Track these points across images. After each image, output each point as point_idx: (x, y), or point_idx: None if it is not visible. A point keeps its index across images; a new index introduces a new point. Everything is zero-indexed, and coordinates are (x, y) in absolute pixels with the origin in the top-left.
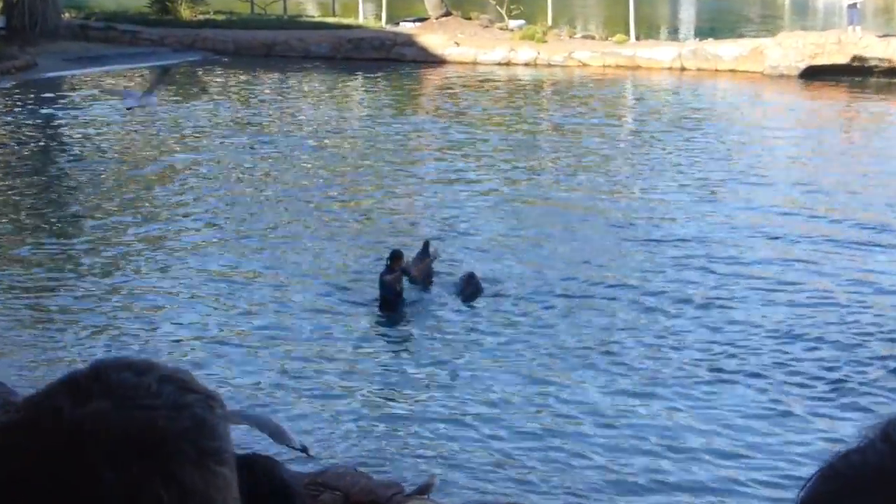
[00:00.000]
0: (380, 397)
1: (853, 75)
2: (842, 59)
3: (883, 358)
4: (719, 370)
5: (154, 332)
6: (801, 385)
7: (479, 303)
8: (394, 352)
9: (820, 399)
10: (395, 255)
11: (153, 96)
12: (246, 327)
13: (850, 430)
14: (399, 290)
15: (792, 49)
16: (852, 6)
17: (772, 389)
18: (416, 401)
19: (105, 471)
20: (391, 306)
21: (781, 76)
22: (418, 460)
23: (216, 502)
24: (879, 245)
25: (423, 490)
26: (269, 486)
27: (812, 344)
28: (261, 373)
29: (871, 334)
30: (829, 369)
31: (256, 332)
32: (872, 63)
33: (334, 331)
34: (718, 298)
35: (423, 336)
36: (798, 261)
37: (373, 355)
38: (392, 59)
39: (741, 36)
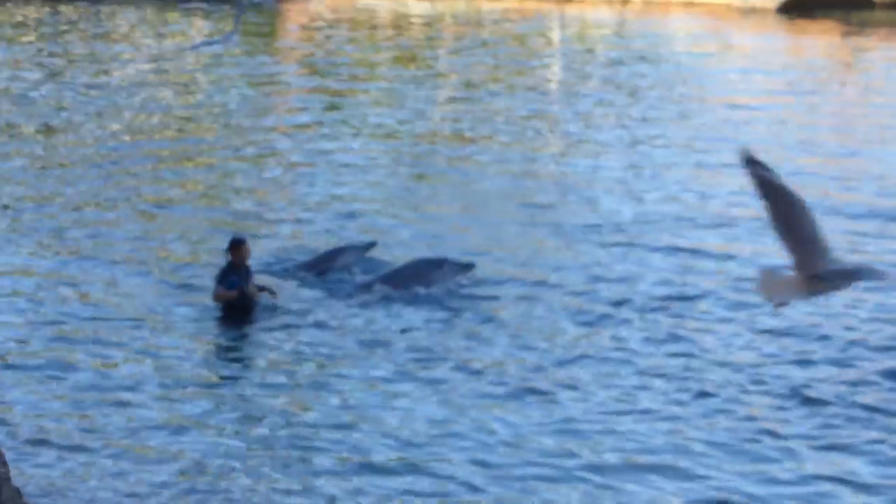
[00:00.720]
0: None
1: (849, 8)
2: None
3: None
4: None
5: None
6: (766, 399)
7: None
8: (243, 370)
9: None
10: (235, 245)
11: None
12: (38, 345)
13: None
14: (249, 290)
15: None
16: None
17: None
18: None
19: None
20: (241, 310)
21: (754, 10)
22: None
23: None
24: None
25: None
26: None
27: (793, 358)
28: (48, 403)
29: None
30: (807, 385)
31: (50, 350)
32: None
33: (162, 343)
34: (668, 298)
35: (281, 347)
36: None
37: (216, 376)
38: None
39: None
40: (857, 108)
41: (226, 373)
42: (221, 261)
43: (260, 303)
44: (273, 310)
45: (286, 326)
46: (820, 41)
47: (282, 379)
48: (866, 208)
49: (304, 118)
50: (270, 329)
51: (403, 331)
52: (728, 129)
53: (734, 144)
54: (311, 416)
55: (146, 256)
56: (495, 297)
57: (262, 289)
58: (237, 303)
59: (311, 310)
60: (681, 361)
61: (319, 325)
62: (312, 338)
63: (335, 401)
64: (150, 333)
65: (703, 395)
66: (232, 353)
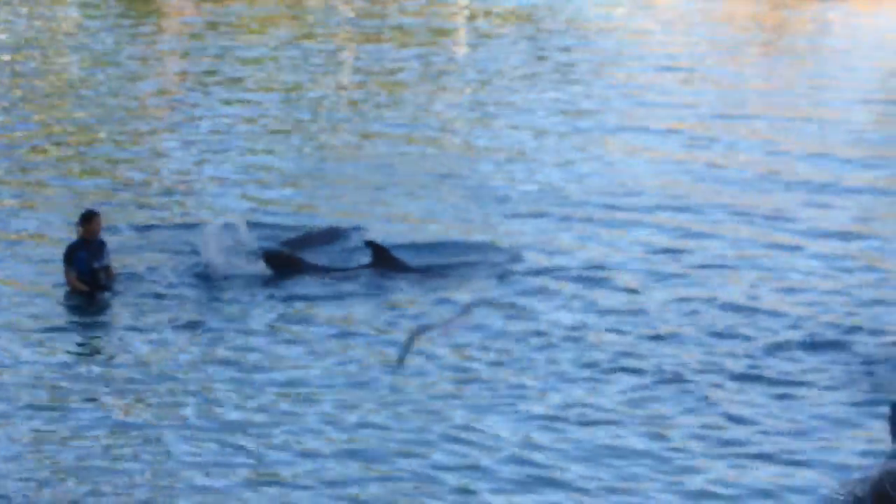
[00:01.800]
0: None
1: None
2: None
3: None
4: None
5: None
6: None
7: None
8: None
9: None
10: (86, 218)
11: None
12: None
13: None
14: (100, 268)
15: None
16: None
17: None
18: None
19: None
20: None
21: None
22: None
23: None
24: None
25: None
26: None
27: (735, 342)
28: None
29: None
30: (756, 376)
31: None
32: None
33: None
34: (591, 268)
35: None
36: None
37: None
38: None
39: None
40: (784, 75)
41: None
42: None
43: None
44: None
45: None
46: (749, 5)
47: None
48: (793, 176)
49: (199, 97)
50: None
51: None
52: (648, 94)
53: (653, 108)
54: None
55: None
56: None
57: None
58: (89, 283)
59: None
60: (617, 336)
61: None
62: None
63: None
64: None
65: (636, 373)
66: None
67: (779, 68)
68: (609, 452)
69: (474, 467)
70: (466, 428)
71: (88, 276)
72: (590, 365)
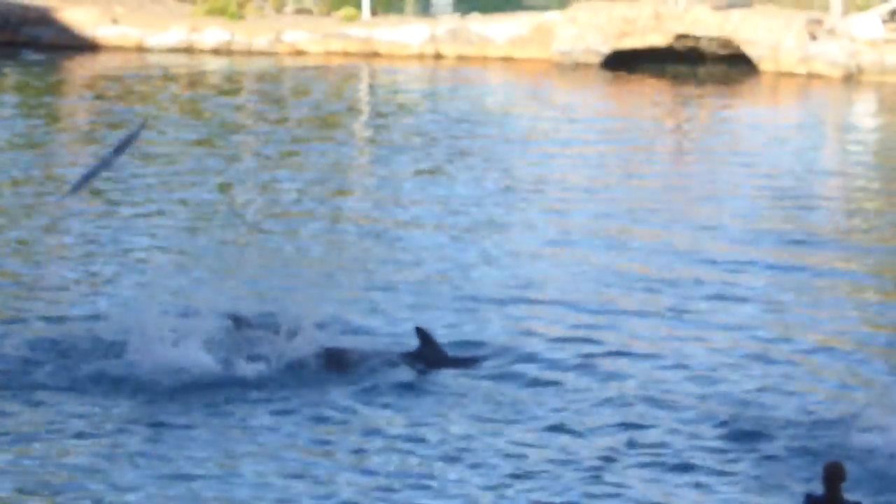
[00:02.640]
0: None
1: (677, 62)
2: (661, 39)
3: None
4: None
5: None
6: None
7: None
8: None
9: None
10: None
11: None
12: None
13: None
14: None
15: (590, 27)
16: None
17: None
18: None
19: None
20: None
21: (576, 65)
22: None
23: None
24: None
25: None
26: None
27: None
28: None
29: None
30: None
31: None
32: (704, 45)
33: None
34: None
35: None
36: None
37: None
38: (21, 42)
39: (520, 9)
40: (673, 165)
41: None
42: None
43: None
44: None
45: None
46: (642, 100)
47: None
48: (690, 274)
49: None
50: None
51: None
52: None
53: (542, 192)
54: None
55: None
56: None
57: None
58: None
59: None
60: (525, 429)
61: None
62: None
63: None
64: None
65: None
66: None
67: (679, 167)
68: None
69: None
70: None
71: None
72: (512, 456)
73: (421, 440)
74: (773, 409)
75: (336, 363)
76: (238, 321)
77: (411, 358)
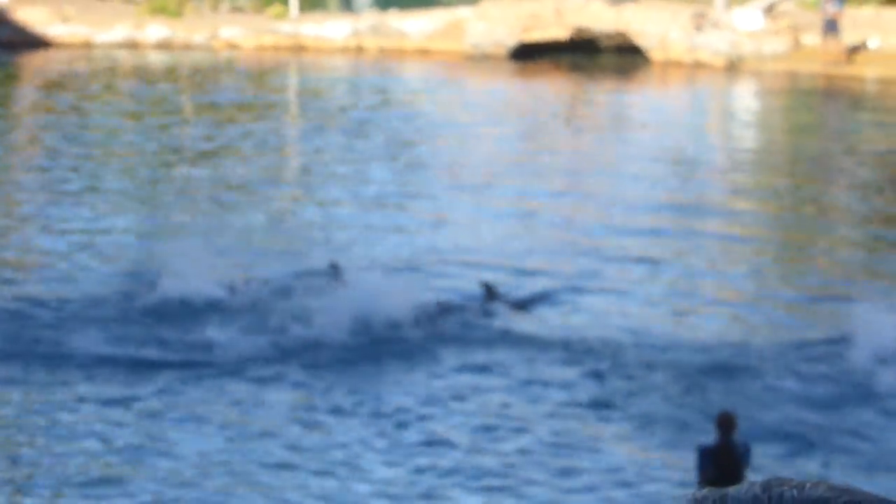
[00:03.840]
0: None
1: (577, 53)
2: (561, 32)
3: None
4: None
5: None
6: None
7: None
8: None
9: None
10: None
11: None
12: None
13: None
14: None
15: (498, 21)
16: None
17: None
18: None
19: None
20: None
21: (486, 57)
22: None
23: None
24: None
25: None
26: None
27: None
28: None
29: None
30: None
31: None
32: (600, 37)
33: None
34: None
35: None
36: None
37: None
38: None
39: (434, 5)
40: (576, 156)
41: None
42: None
43: None
44: None
45: None
46: (545, 88)
47: None
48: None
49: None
50: None
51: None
52: (460, 180)
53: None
54: None
55: None
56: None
57: None
58: None
59: None
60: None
61: None
62: None
63: None
64: None
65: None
66: None
67: (579, 146)
68: None
69: None
70: None
71: None
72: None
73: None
74: (678, 357)
75: (427, 314)
76: (336, 269)
77: (480, 307)
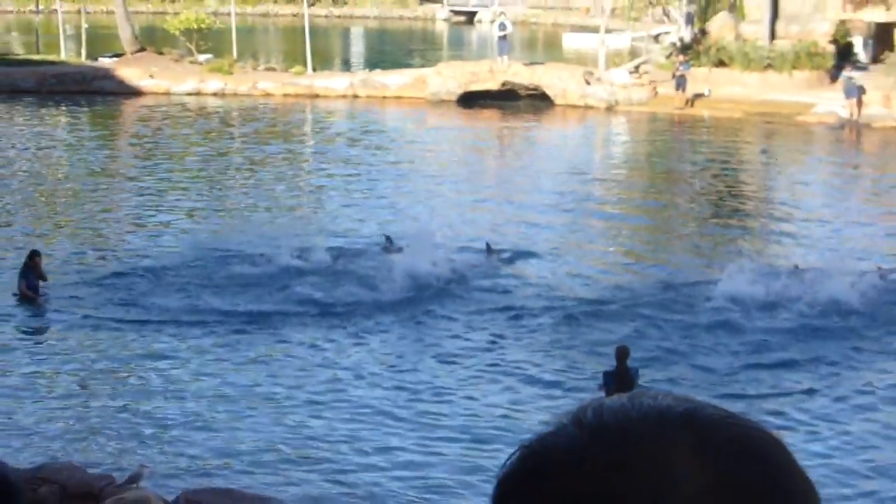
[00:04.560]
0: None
1: (504, 99)
2: (493, 85)
3: None
4: None
5: None
6: None
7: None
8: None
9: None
10: (33, 254)
11: None
12: None
13: None
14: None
15: (450, 77)
16: (502, 38)
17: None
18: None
19: None
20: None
21: (442, 101)
22: (133, 454)
23: None
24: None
25: (133, 479)
26: None
27: None
28: None
29: None
30: None
31: None
32: (520, 88)
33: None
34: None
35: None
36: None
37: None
38: (93, 91)
39: (406, 66)
40: (505, 168)
41: None
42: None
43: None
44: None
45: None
46: (483, 123)
47: None
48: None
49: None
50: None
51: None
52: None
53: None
54: None
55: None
56: None
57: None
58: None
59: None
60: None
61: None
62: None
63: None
64: None
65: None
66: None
67: (504, 163)
68: None
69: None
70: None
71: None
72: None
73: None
74: (589, 308)
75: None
76: (390, 241)
77: (486, 258)
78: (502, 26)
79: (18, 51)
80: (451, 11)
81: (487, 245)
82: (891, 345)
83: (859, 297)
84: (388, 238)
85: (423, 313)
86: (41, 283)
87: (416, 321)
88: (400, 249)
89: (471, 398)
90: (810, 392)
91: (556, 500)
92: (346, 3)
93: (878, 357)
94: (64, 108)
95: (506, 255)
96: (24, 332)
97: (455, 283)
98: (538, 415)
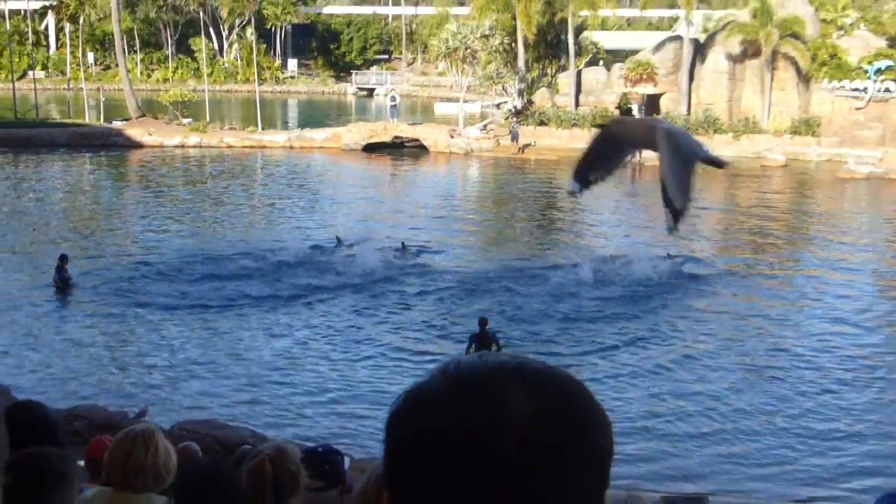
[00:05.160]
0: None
1: (394, 148)
2: (387, 138)
3: None
4: None
5: None
6: None
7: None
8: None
9: None
10: (62, 257)
11: None
12: None
13: None
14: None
15: (357, 133)
16: (393, 106)
17: None
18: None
19: None
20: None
21: (351, 150)
22: (139, 398)
23: None
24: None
25: (140, 415)
26: (37, 424)
27: None
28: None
29: None
30: None
31: None
32: (405, 140)
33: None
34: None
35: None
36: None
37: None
38: (109, 145)
39: (327, 126)
40: (397, 199)
41: None
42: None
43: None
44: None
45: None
46: (380, 165)
47: None
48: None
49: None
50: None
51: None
52: (341, 209)
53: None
54: None
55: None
56: None
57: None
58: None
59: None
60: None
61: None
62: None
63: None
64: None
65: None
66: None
67: (398, 194)
68: None
69: None
70: None
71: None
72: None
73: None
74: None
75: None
76: (339, 241)
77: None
78: (393, 98)
79: (56, 116)
80: (358, 88)
81: (403, 244)
82: (669, 305)
83: (657, 275)
84: (338, 238)
85: (365, 292)
86: (68, 277)
87: (361, 297)
88: (350, 246)
89: (383, 355)
90: (614, 346)
91: (426, 430)
92: (284, 83)
93: (662, 312)
94: (88, 157)
95: (413, 250)
96: (58, 309)
97: (383, 270)
98: (421, 369)
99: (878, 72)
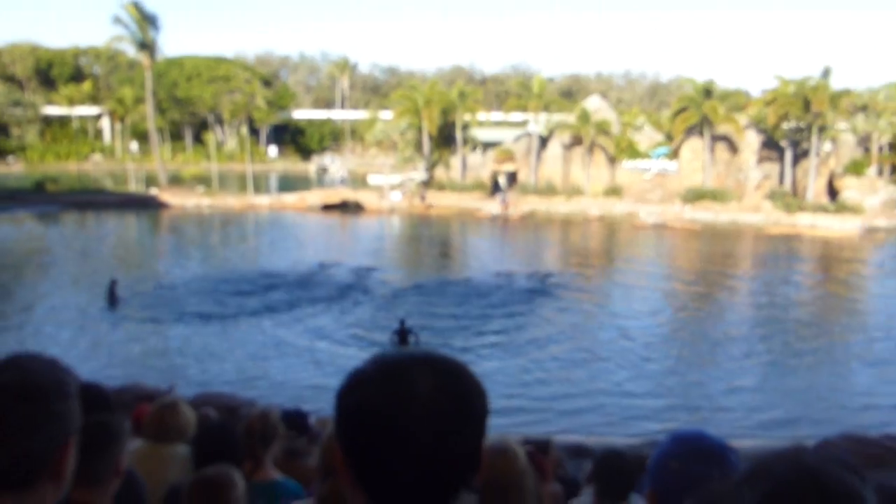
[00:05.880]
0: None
1: (343, 208)
2: (337, 200)
3: None
4: None
5: None
6: None
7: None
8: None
9: None
10: (113, 281)
11: None
12: None
13: None
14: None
15: (317, 197)
16: (342, 179)
17: None
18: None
19: None
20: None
21: (314, 208)
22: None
23: None
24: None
25: (170, 390)
26: (98, 400)
27: None
28: None
29: None
30: None
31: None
32: (349, 202)
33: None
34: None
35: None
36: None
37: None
38: (147, 205)
39: (296, 191)
40: (345, 237)
41: None
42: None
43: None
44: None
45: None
46: (332, 218)
47: None
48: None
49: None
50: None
51: None
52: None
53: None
54: None
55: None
56: None
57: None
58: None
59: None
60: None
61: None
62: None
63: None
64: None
65: None
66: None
67: (345, 240)
68: None
69: None
70: None
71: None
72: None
73: None
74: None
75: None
76: (322, 266)
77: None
78: (342, 174)
79: (108, 185)
80: (317, 166)
81: (364, 267)
82: (535, 309)
83: (535, 283)
84: (321, 264)
85: (339, 300)
86: (117, 296)
87: (335, 303)
88: (330, 268)
89: (342, 343)
90: (497, 335)
91: (361, 402)
92: (267, 163)
93: (529, 312)
94: (133, 214)
95: (366, 271)
96: (111, 319)
97: (348, 286)
98: (355, 359)
99: (659, 156)
